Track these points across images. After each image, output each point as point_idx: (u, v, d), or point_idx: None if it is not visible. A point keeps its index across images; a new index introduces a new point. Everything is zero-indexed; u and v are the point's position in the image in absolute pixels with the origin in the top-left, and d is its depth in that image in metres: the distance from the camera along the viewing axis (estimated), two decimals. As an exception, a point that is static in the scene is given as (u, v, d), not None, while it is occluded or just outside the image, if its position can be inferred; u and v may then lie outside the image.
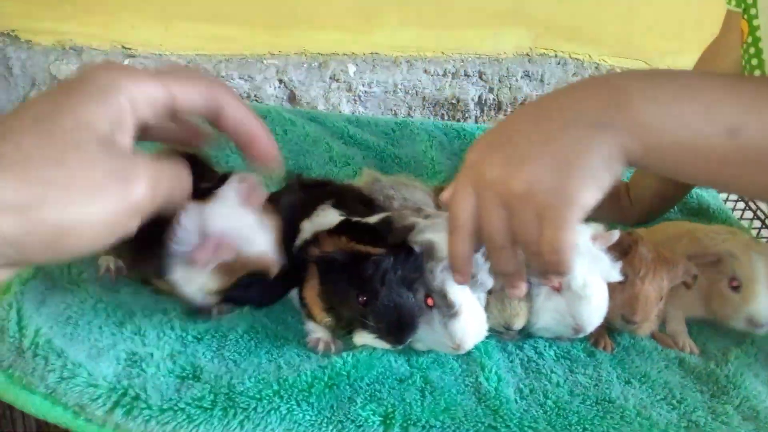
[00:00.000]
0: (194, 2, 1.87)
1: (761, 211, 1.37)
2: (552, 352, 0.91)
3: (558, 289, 0.86)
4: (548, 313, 0.87)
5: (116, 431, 0.74)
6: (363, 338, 0.82)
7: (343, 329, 0.84)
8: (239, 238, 0.76)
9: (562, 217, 0.65)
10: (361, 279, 0.80)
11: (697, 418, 0.83)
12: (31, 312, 0.83)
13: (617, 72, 0.68)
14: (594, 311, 0.85)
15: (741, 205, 1.38)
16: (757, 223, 1.35)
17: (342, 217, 0.90)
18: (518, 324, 0.88)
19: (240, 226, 0.77)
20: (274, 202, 0.86)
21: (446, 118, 2.12)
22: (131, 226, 0.52)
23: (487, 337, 0.89)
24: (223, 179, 0.80)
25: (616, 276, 0.87)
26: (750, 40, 1.04)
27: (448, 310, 0.83)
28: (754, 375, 0.92)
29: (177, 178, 0.57)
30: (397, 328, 0.80)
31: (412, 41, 2.03)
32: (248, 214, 0.78)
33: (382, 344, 0.82)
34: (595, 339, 0.94)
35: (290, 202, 0.92)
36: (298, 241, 0.88)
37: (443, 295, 0.83)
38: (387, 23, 1.99)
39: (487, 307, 0.88)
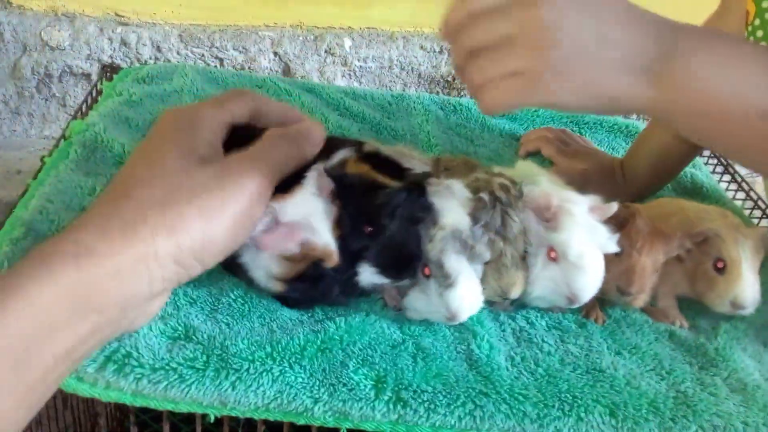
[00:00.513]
0: (189, -29, 1.85)
1: (762, 200, 1.37)
2: (544, 323, 0.92)
3: (555, 259, 0.86)
4: (544, 282, 0.87)
5: (108, 389, 0.74)
6: (366, 273, 0.81)
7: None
8: (309, 228, 0.77)
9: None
10: (371, 209, 0.81)
11: (686, 388, 0.84)
12: (22, 271, 0.83)
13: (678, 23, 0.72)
14: (589, 281, 0.85)
15: (741, 195, 1.39)
16: (757, 213, 1.35)
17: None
18: (515, 293, 0.88)
19: (311, 216, 0.78)
20: None
21: (442, 95, 2.11)
22: (257, 214, 0.70)
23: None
24: None
25: (612, 247, 0.88)
26: (758, 22, 1.04)
27: (445, 280, 0.83)
28: (742, 349, 0.93)
29: (288, 145, 0.75)
30: (398, 262, 0.81)
31: (408, 16, 2.02)
32: (320, 204, 0.79)
33: (380, 279, 0.82)
34: (586, 311, 0.95)
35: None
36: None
37: (440, 266, 0.83)
38: (384, -3, 1.98)
39: (483, 278, 0.88)
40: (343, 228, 0.81)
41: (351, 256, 0.80)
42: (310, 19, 1.97)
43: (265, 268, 0.79)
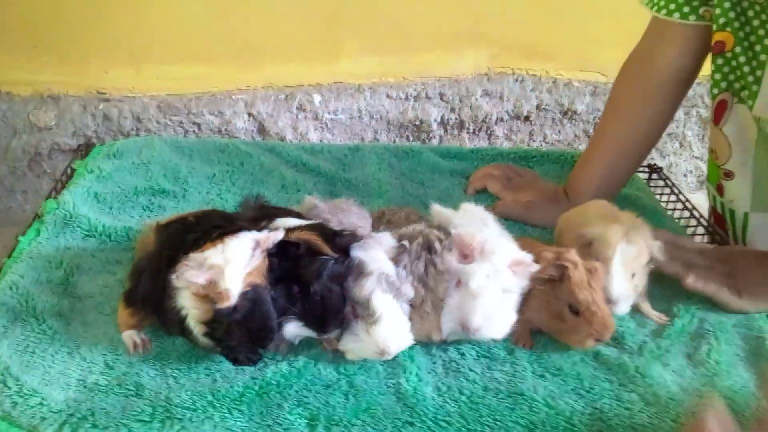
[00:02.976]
0: (162, 45, 1.98)
1: (697, 210, 1.44)
2: (474, 352, 0.99)
3: (458, 286, 0.94)
4: (448, 312, 0.95)
5: (66, 447, 0.82)
6: (291, 326, 0.90)
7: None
8: (219, 272, 0.86)
9: None
10: (304, 273, 0.90)
11: (602, 405, 0.91)
12: (-8, 343, 0.92)
13: None
14: (481, 311, 0.92)
15: (686, 213, 1.46)
16: (693, 221, 1.42)
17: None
18: (436, 337, 0.96)
19: (228, 263, 0.86)
20: (236, 220, 0.99)
21: (411, 139, 2.21)
22: None
23: (414, 343, 0.97)
24: None
25: (514, 291, 0.97)
26: (738, 49, 1.13)
27: (370, 317, 0.91)
28: (663, 365, 0.99)
29: None
30: (323, 317, 0.90)
31: (373, 68, 2.13)
32: (244, 256, 0.88)
33: (307, 332, 0.91)
34: (516, 338, 1.02)
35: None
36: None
37: (366, 305, 0.91)
38: (349, 53, 2.09)
39: (411, 320, 0.96)
40: (275, 286, 0.91)
41: (271, 315, 0.89)
42: (279, 79, 2.08)
43: (189, 310, 0.88)
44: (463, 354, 0.99)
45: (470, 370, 0.95)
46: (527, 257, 0.98)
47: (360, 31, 2.02)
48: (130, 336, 0.96)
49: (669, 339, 1.04)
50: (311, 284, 0.89)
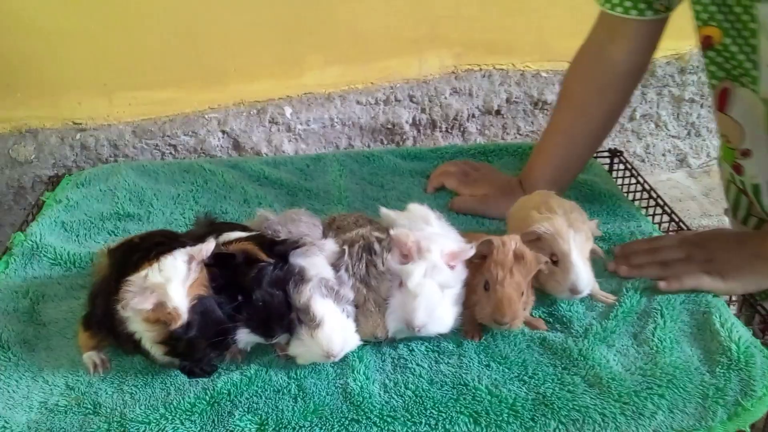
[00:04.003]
0: (134, 73, 2.04)
1: (661, 199, 1.45)
2: (423, 348, 1.02)
3: (400, 286, 0.97)
4: (392, 312, 0.98)
5: (27, 466, 0.86)
6: (240, 333, 0.94)
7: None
8: (163, 293, 0.89)
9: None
10: (244, 281, 0.94)
11: (545, 389, 0.93)
12: (-43, 374, 0.97)
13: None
14: (422, 308, 0.95)
15: (646, 196, 1.48)
16: (659, 210, 1.44)
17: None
18: (381, 334, 0.99)
19: (169, 282, 0.90)
20: (189, 237, 1.03)
21: (385, 143, 2.25)
22: None
23: (364, 344, 1.00)
24: None
25: (453, 285, 0.99)
26: (728, 40, 1.13)
27: (312, 321, 0.94)
28: (607, 346, 1.01)
29: None
30: (267, 322, 0.94)
31: (341, 77, 2.17)
32: (182, 272, 0.91)
33: (256, 338, 0.95)
34: (464, 331, 1.04)
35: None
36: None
37: (307, 311, 0.94)
38: (314, 65, 2.14)
39: (356, 321, 0.99)
40: (219, 294, 0.94)
41: (223, 320, 0.92)
42: (250, 95, 2.13)
43: (142, 333, 0.91)
44: (412, 350, 1.02)
45: (417, 365, 0.98)
46: (464, 247, 1.00)
47: (321, 44, 2.06)
48: (90, 357, 1.00)
49: (615, 320, 1.06)
50: (253, 291, 0.93)
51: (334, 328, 0.95)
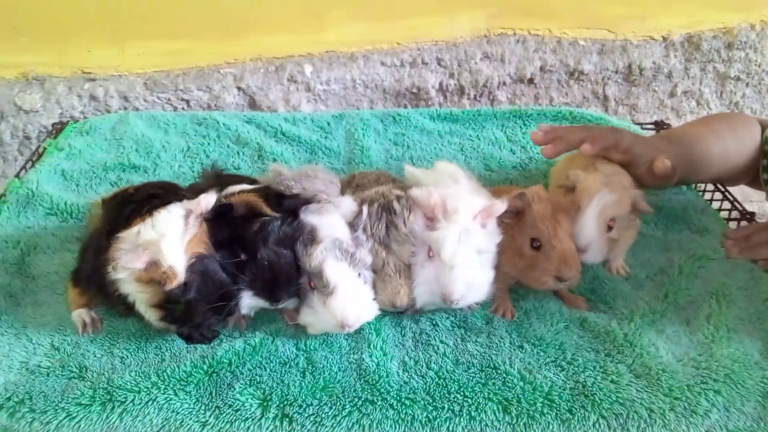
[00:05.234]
0: (147, 20, 1.92)
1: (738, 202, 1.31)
2: (448, 323, 0.91)
3: (431, 258, 0.86)
4: (423, 283, 0.87)
5: (3, 432, 0.77)
6: (245, 297, 0.84)
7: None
8: (156, 250, 0.79)
9: None
10: (247, 237, 0.83)
11: (586, 378, 0.82)
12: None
13: None
14: (460, 280, 0.85)
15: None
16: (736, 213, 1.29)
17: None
18: (401, 301, 0.88)
19: (163, 237, 0.80)
20: (191, 191, 0.94)
21: (410, 107, 2.12)
22: None
23: (383, 314, 0.90)
24: None
25: (490, 248, 0.87)
26: None
27: (326, 288, 0.83)
28: (657, 331, 0.90)
29: None
30: (272, 285, 0.83)
31: (365, 35, 2.03)
32: (178, 226, 0.81)
33: (260, 303, 0.84)
34: (495, 306, 0.94)
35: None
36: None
37: (320, 276, 0.84)
38: (338, 20, 2.00)
39: (373, 287, 0.89)
40: (219, 254, 0.84)
41: (226, 281, 0.82)
42: (268, 51, 2.00)
43: (135, 295, 0.81)
44: (435, 325, 0.91)
45: (441, 342, 0.88)
46: (494, 203, 0.89)
47: (345, -3, 1.93)
48: (79, 315, 0.90)
49: (665, 301, 0.95)
50: (257, 249, 0.82)
51: (349, 295, 0.84)
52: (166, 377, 0.80)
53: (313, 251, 0.84)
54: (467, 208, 0.88)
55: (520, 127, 1.45)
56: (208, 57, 1.99)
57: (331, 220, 0.88)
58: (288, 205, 0.87)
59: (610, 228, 0.95)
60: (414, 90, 2.09)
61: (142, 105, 1.96)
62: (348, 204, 0.91)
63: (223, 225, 0.85)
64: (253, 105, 2.03)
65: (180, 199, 0.86)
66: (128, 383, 0.79)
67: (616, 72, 2.17)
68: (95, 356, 0.85)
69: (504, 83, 2.12)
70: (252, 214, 0.85)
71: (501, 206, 0.89)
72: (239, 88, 2.00)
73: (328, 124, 1.47)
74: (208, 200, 0.84)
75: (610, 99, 2.21)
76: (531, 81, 2.14)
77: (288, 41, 2.01)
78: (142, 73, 1.97)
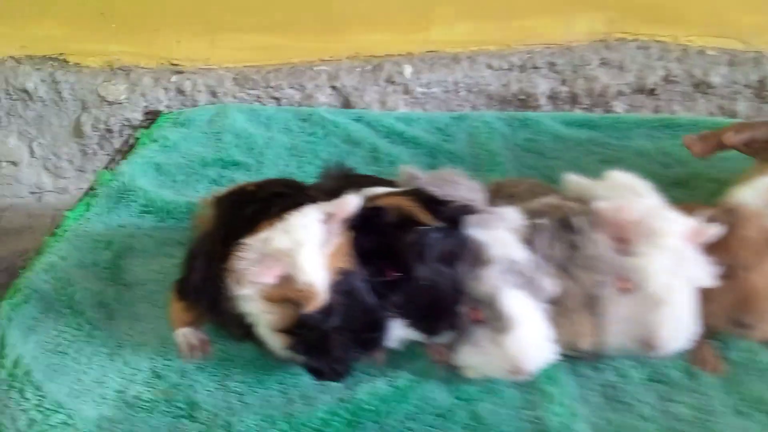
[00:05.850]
0: (239, 13, 1.81)
1: None
2: (638, 374, 0.72)
3: (627, 290, 0.68)
4: (614, 323, 0.68)
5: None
6: (394, 326, 0.67)
7: None
8: (290, 262, 0.64)
9: None
10: (398, 249, 0.66)
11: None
12: (16, 339, 0.73)
13: None
14: (673, 321, 0.66)
15: None
16: None
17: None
18: (583, 343, 0.69)
19: (299, 247, 0.64)
20: (319, 191, 0.77)
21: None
22: None
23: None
24: None
25: (707, 280, 0.68)
26: None
27: (499, 323, 0.66)
28: None
29: None
30: (432, 313, 0.66)
31: (472, 35, 1.88)
32: (316, 234, 0.66)
33: (412, 334, 0.68)
34: (695, 356, 0.74)
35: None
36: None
37: (493, 306, 0.66)
38: (443, 18, 1.85)
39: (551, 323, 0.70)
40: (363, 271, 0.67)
41: (375, 307, 0.65)
42: (366, 49, 1.87)
43: (258, 316, 0.65)
44: (624, 376, 0.72)
45: (638, 401, 0.69)
46: (707, 224, 0.70)
47: (454, -7, 1.78)
48: (184, 336, 0.75)
49: None
50: (412, 266, 0.65)
51: (530, 333, 0.66)
52: (298, 425, 0.64)
53: (483, 273, 0.67)
54: (676, 229, 0.69)
55: (670, 138, 1.25)
56: (301, 53, 1.87)
57: (501, 236, 0.70)
58: (446, 213, 0.70)
59: None
60: (522, 96, 1.91)
61: (231, 101, 1.84)
62: (514, 217, 0.73)
63: (369, 234, 0.68)
64: (347, 106, 1.89)
65: (312, 201, 0.70)
66: (251, 429, 0.63)
67: (747, 86, 1.95)
68: (207, 390, 0.69)
69: (621, 93, 1.93)
70: (405, 221, 0.68)
71: (717, 229, 0.70)
72: (333, 87, 1.87)
73: (447, 125, 1.30)
74: (352, 203, 0.67)
75: (740, 115, 1.99)
76: (652, 92, 1.93)
77: (387, 39, 1.87)
78: (232, 67, 1.87)
